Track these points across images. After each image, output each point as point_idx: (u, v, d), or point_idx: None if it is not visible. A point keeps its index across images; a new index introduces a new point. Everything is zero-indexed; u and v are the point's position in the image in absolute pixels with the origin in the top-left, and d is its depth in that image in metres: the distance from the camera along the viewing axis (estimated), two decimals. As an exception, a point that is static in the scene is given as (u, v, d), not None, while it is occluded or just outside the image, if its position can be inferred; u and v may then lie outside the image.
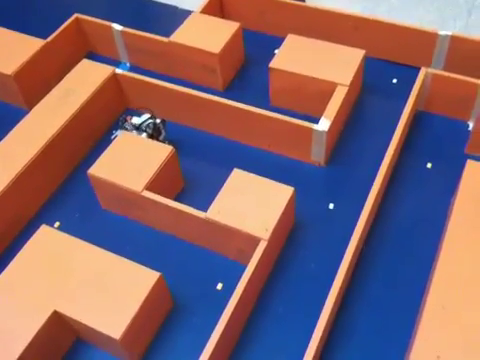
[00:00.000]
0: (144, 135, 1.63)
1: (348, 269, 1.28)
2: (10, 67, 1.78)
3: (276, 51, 1.91)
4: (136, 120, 1.67)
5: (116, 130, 1.74)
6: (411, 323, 1.27)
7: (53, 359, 1.26)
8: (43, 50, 1.87)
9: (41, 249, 1.31)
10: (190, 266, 1.43)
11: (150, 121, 1.65)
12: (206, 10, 1.98)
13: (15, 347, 1.15)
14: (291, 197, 1.36)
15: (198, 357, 1.13)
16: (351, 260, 1.28)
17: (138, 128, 1.65)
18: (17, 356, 1.14)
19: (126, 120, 1.68)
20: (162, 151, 1.50)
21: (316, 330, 1.17)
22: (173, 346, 1.30)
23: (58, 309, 1.20)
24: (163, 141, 1.65)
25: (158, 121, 1.66)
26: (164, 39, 1.84)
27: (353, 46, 1.73)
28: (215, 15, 1.96)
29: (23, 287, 1.25)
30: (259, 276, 1.32)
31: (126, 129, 1.67)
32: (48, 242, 1.32)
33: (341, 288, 1.25)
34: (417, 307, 1.29)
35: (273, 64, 1.69)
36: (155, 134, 1.65)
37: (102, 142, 1.72)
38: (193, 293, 1.38)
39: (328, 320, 1.19)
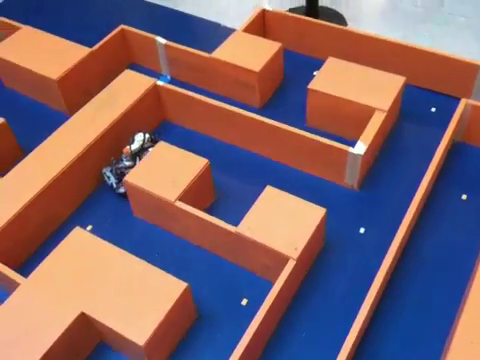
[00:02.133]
0: (151, 150, 1.60)
1: (376, 296, 1.26)
2: (55, 72, 1.84)
3: (315, 73, 1.93)
4: (133, 147, 1.62)
5: (110, 170, 1.62)
6: (437, 356, 1.25)
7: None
8: (88, 58, 1.92)
9: (73, 250, 1.34)
10: (216, 279, 1.44)
11: (146, 138, 1.63)
12: (248, 29, 2.01)
13: (41, 345, 1.17)
14: (322, 218, 1.36)
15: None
16: (379, 287, 1.27)
17: (140, 152, 1.61)
18: (42, 354, 1.16)
19: (123, 153, 1.62)
20: (197, 163, 1.52)
21: (339, 357, 1.15)
22: (194, 359, 1.30)
23: (85, 311, 1.22)
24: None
25: (147, 136, 1.63)
26: (206, 55, 1.88)
27: (392, 72, 1.73)
28: (257, 34, 1.99)
29: (53, 286, 1.27)
30: (285, 295, 1.31)
31: (124, 166, 1.60)
32: (80, 244, 1.35)
33: (367, 316, 1.24)
34: (444, 340, 1.27)
35: (312, 85, 1.71)
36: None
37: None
38: (218, 307, 1.38)
39: (352, 347, 1.18)
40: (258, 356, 1.28)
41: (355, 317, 1.23)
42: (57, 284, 1.27)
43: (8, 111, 1.78)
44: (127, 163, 1.61)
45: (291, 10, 2.12)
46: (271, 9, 2.07)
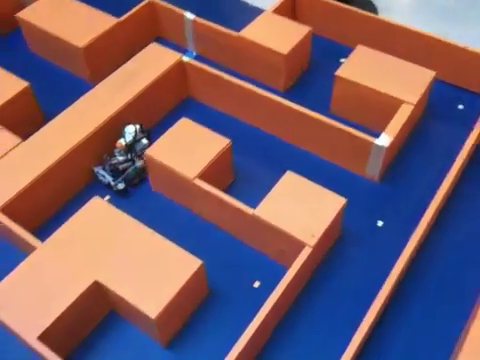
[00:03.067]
0: (145, 141, 1.59)
1: (390, 291, 1.26)
2: (82, 40, 1.83)
3: (342, 60, 1.91)
4: (124, 140, 1.58)
5: (103, 169, 1.58)
6: (448, 354, 1.25)
7: (87, 327, 1.29)
8: (115, 28, 1.91)
9: (90, 219, 1.34)
10: (229, 259, 1.44)
11: (137, 130, 1.59)
12: (278, 10, 1.98)
13: (53, 309, 1.18)
14: (342, 208, 1.35)
15: (226, 350, 1.14)
16: (395, 282, 1.26)
17: (133, 144, 1.58)
18: (54, 318, 1.17)
19: (116, 148, 1.58)
20: (219, 142, 1.51)
21: (349, 347, 1.16)
22: (203, 335, 1.30)
23: (99, 280, 1.23)
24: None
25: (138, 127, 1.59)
26: (234, 33, 1.86)
27: (422, 65, 1.71)
28: (286, 16, 1.96)
29: (68, 253, 1.28)
30: (298, 282, 1.31)
31: (118, 161, 1.57)
32: (98, 213, 1.35)
33: (380, 309, 1.24)
34: (456, 340, 1.27)
35: (340, 72, 1.68)
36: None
37: (159, 126, 1.74)
38: (229, 287, 1.38)
39: (363, 338, 1.18)
40: (266, 339, 1.28)
41: (366, 310, 1.23)
42: (73, 251, 1.28)
43: (31, 75, 1.77)
44: (121, 158, 1.57)
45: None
46: (303, -9, 2.04)
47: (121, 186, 1.55)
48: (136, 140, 1.58)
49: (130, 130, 1.58)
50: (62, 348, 1.18)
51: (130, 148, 1.58)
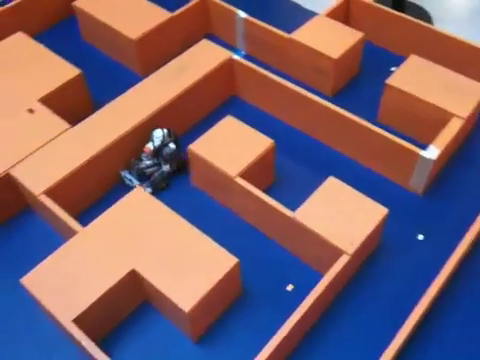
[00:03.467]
0: (172, 145, 1.58)
1: (426, 307, 1.23)
2: (135, 32, 1.86)
3: (392, 68, 1.88)
4: (152, 145, 1.57)
5: (129, 173, 1.58)
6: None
7: (119, 314, 1.31)
8: (168, 23, 1.93)
9: (132, 209, 1.36)
10: (265, 260, 1.44)
11: (165, 134, 1.58)
12: (331, 14, 1.96)
13: (89, 295, 1.21)
14: (383, 218, 1.33)
15: (254, 350, 1.13)
16: (432, 298, 1.24)
17: (161, 149, 1.56)
18: (90, 303, 1.19)
19: (143, 152, 1.58)
20: (262, 142, 1.51)
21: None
22: (232, 334, 1.31)
23: (136, 269, 1.24)
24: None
25: (165, 131, 1.58)
26: (285, 35, 1.85)
27: (474, 79, 1.66)
28: (339, 21, 1.94)
29: (108, 240, 1.30)
30: (333, 288, 1.30)
31: (145, 165, 1.57)
32: (139, 204, 1.37)
33: (415, 325, 1.21)
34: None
35: (390, 81, 1.66)
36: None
37: (204, 122, 1.75)
38: (263, 287, 1.38)
39: (395, 354, 1.16)
40: (296, 344, 1.28)
41: (400, 324, 1.20)
42: (112, 238, 1.30)
43: (83, 63, 1.80)
44: (148, 162, 1.56)
45: (377, 1, 2.05)
46: (358, -3, 2.01)
47: (149, 190, 1.55)
48: (164, 144, 1.57)
49: (158, 134, 1.57)
50: (94, 333, 1.20)
51: (157, 152, 1.57)
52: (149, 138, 1.59)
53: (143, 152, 1.58)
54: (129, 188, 1.51)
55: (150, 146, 1.57)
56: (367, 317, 1.33)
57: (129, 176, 1.56)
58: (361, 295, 1.37)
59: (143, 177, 1.55)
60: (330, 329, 1.31)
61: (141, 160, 1.58)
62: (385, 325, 1.30)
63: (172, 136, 1.59)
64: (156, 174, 1.56)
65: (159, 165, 1.57)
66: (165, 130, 1.58)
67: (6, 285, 1.37)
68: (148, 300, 1.34)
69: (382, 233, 1.42)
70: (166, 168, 1.58)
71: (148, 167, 1.56)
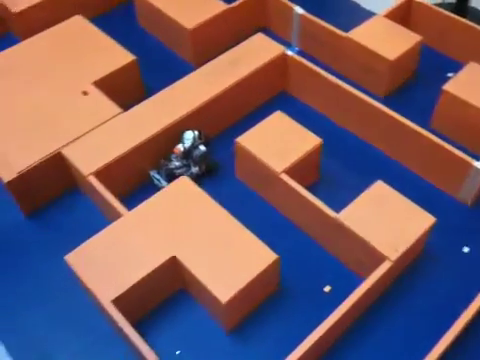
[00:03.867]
0: (202, 147, 1.56)
1: (467, 322, 1.20)
2: (190, 22, 1.87)
3: (449, 74, 1.83)
4: (182, 146, 1.56)
5: (158, 173, 1.57)
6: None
7: (156, 299, 1.33)
8: (224, 14, 1.93)
9: (177, 196, 1.38)
10: (304, 259, 1.43)
11: (196, 136, 1.56)
12: (391, 15, 1.92)
13: (130, 277, 1.23)
14: (430, 227, 1.30)
15: (286, 348, 1.12)
16: (473, 313, 1.20)
17: (191, 151, 1.55)
18: (130, 285, 1.21)
19: (173, 153, 1.56)
20: (310, 140, 1.50)
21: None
22: (266, 329, 1.31)
23: (177, 255, 1.26)
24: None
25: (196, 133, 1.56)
26: (342, 33, 1.82)
27: None
28: (398, 22, 1.90)
29: (151, 225, 1.32)
30: (372, 294, 1.28)
31: (175, 166, 1.55)
32: (184, 192, 1.38)
33: (453, 339, 1.18)
34: None
35: (447, 87, 1.61)
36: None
37: (252, 116, 1.75)
38: (300, 286, 1.37)
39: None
40: (328, 347, 1.26)
41: (438, 338, 1.17)
42: (156, 224, 1.32)
43: (137, 49, 1.82)
44: (177, 163, 1.55)
45: (438, 4, 2.00)
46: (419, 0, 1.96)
47: None
48: (194, 146, 1.56)
49: (189, 136, 1.55)
50: (131, 315, 1.22)
51: (187, 154, 1.56)
52: (179, 139, 1.57)
53: (173, 153, 1.57)
54: (158, 188, 1.50)
55: (180, 147, 1.55)
56: (403, 326, 1.30)
57: (158, 176, 1.54)
58: (399, 303, 1.34)
59: (172, 178, 1.52)
60: (365, 334, 1.29)
61: (170, 161, 1.56)
62: (421, 337, 1.27)
63: (203, 138, 1.57)
64: (184, 176, 1.53)
65: (188, 167, 1.55)
66: (196, 132, 1.56)
67: (51, 262, 1.41)
68: (185, 288, 1.35)
69: (427, 242, 1.39)
70: (195, 170, 1.56)
71: (177, 168, 1.54)
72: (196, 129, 1.57)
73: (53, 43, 1.80)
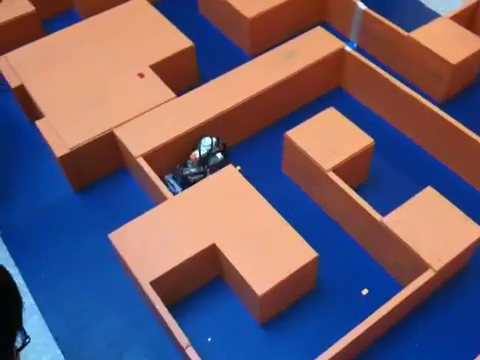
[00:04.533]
0: (219, 155, 1.52)
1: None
2: (251, 11, 1.86)
3: (512, 83, 1.76)
4: (198, 152, 1.51)
5: (173, 178, 1.53)
6: None
7: (193, 284, 1.34)
8: (284, 5, 1.91)
9: (221, 185, 1.38)
10: (344, 260, 1.41)
11: (214, 143, 1.52)
12: (456, 17, 1.85)
13: (170, 261, 1.24)
14: (477, 239, 1.26)
15: (319, 347, 1.12)
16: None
17: (206, 158, 1.51)
18: (169, 269, 1.23)
19: (189, 158, 1.52)
20: (362, 140, 1.47)
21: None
22: (300, 325, 1.30)
23: (217, 244, 1.26)
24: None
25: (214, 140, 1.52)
26: (404, 32, 1.77)
27: None
28: (464, 25, 1.83)
29: (194, 211, 1.33)
30: (411, 302, 1.25)
31: (190, 173, 1.50)
32: (229, 181, 1.39)
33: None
34: None
35: (510, 96, 1.55)
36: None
37: (305, 110, 1.73)
38: (337, 287, 1.36)
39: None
40: (361, 351, 1.25)
41: (474, 355, 1.14)
42: (199, 210, 1.33)
43: (195, 36, 1.83)
44: (193, 169, 1.50)
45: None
46: (489, 3, 1.88)
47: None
48: (211, 153, 1.52)
49: (206, 143, 1.52)
50: (167, 298, 1.23)
51: (203, 161, 1.51)
52: (196, 145, 1.53)
53: (189, 159, 1.53)
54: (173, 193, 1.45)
55: (196, 154, 1.52)
56: (441, 338, 1.27)
57: (172, 181, 1.51)
58: (438, 314, 1.31)
59: (187, 184, 1.48)
60: (400, 342, 1.27)
61: (186, 167, 1.53)
62: (458, 350, 1.23)
63: (221, 146, 1.54)
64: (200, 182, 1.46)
65: (204, 174, 1.50)
66: (214, 139, 1.52)
67: (95, 238, 1.44)
68: (222, 276, 1.36)
69: (473, 254, 1.34)
70: (210, 177, 1.49)
71: (192, 175, 1.49)
72: (215, 136, 1.53)
73: (113, 24, 1.83)
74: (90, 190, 1.59)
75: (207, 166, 1.51)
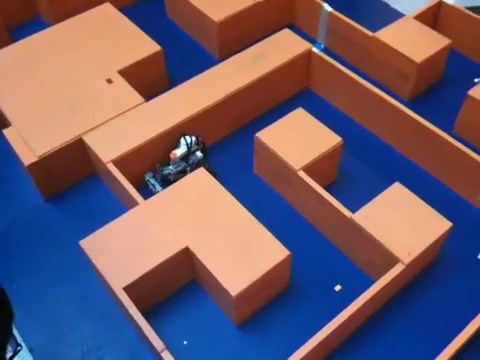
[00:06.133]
0: (199, 154, 1.54)
1: (476, 330, 1.18)
2: (218, 15, 1.87)
3: (476, 80, 1.80)
4: (179, 151, 1.52)
5: (153, 178, 1.53)
6: None
7: (168, 289, 1.34)
8: (252, 9, 1.93)
9: (193, 188, 1.38)
10: (316, 258, 1.43)
11: (193, 141, 1.53)
12: (420, 17, 1.89)
13: (143, 265, 1.24)
14: (446, 232, 1.29)
15: (294, 344, 1.13)
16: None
17: (188, 155, 1.52)
18: (142, 274, 1.23)
19: (170, 159, 1.52)
20: (331, 139, 1.49)
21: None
22: (274, 324, 1.31)
23: (190, 247, 1.27)
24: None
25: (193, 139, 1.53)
26: (369, 33, 1.81)
27: None
28: (428, 24, 1.87)
29: (166, 215, 1.33)
30: (382, 296, 1.27)
31: (170, 171, 1.50)
32: (201, 184, 1.39)
33: (463, 343, 1.17)
34: None
35: (472, 92, 1.59)
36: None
37: (274, 111, 1.75)
38: (310, 284, 1.37)
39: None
40: (336, 346, 1.26)
41: (446, 343, 1.16)
42: (171, 214, 1.33)
43: (164, 41, 1.83)
44: (173, 168, 1.50)
45: (469, 8, 1.96)
46: (450, 3, 1.93)
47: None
48: (191, 152, 1.53)
49: (186, 141, 1.53)
50: (142, 303, 1.23)
51: (184, 159, 1.53)
52: (176, 144, 1.54)
53: (169, 158, 1.53)
54: (152, 192, 1.48)
55: (177, 152, 1.52)
56: (413, 330, 1.29)
57: (152, 181, 1.51)
58: (410, 307, 1.33)
59: (167, 183, 1.48)
60: (373, 336, 1.29)
61: (167, 166, 1.53)
62: (431, 341, 1.26)
63: (200, 144, 1.55)
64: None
65: (184, 172, 1.51)
66: (193, 137, 1.53)
67: (68, 245, 1.43)
68: (196, 279, 1.36)
69: (442, 247, 1.37)
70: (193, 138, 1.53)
71: (173, 174, 1.50)
72: (194, 135, 1.54)
73: (80, 30, 1.82)
74: (61, 198, 1.57)
75: (187, 164, 1.52)
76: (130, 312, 1.17)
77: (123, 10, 1.95)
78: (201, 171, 1.42)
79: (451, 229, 1.30)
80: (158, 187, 1.49)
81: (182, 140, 1.54)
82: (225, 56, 1.79)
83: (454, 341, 1.16)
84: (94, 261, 1.25)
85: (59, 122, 1.53)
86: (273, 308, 1.33)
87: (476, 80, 1.80)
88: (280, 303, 1.34)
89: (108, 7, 1.91)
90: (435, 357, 1.14)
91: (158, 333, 1.16)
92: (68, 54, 1.74)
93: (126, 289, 1.20)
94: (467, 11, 1.92)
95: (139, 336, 1.26)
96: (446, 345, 1.16)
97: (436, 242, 1.28)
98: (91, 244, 1.28)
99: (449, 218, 1.32)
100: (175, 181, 1.43)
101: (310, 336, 1.14)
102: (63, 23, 1.85)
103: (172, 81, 1.79)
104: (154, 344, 1.12)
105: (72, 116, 1.55)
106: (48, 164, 1.47)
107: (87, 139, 1.50)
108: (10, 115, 1.56)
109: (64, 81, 1.66)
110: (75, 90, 1.63)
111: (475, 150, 1.48)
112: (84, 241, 1.28)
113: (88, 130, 1.51)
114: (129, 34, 1.81)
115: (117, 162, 1.46)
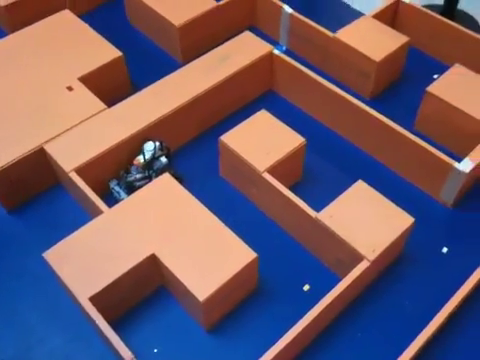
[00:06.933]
0: (164, 159, 1.52)
1: (443, 321, 1.21)
2: (179, 19, 1.86)
3: (435, 76, 1.84)
4: (142, 158, 1.50)
5: (118, 185, 1.51)
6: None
7: (136, 297, 1.33)
8: (212, 11, 1.93)
9: (158, 194, 1.38)
10: (284, 258, 1.43)
11: (157, 147, 1.51)
12: (378, 16, 1.92)
13: (109, 274, 1.23)
14: (409, 227, 1.31)
15: (265, 345, 1.13)
16: (449, 313, 1.21)
17: (151, 161, 1.50)
18: (108, 283, 1.21)
19: (133, 164, 1.51)
20: (294, 140, 1.50)
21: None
22: (244, 327, 1.31)
23: (156, 253, 1.26)
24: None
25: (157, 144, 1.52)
26: (329, 33, 1.83)
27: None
28: (386, 23, 1.90)
29: (131, 223, 1.32)
30: (350, 293, 1.29)
31: (135, 178, 1.49)
32: (166, 190, 1.38)
33: (429, 337, 1.19)
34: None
35: (431, 89, 1.62)
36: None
37: (238, 114, 1.75)
38: (279, 285, 1.38)
39: (407, 362, 1.14)
40: (305, 345, 1.27)
41: (414, 336, 1.18)
42: (136, 221, 1.32)
43: (126, 46, 1.82)
44: (138, 175, 1.48)
45: (426, 6, 2.00)
46: (407, 1, 1.97)
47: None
48: (155, 157, 1.51)
49: (149, 147, 1.51)
50: (109, 313, 1.22)
51: (148, 165, 1.50)
52: (140, 150, 1.51)
53: (132, 165, 1.51)
54: (117, 200, 1.46)
55: (140, 159, 1.50)
56: (381, 325, 1.31)
57: (117, 188, 1.49)
58: (377, 303, 1.35)
59: (132, 190, 1.45)
60: (342, 333, 1.30)
61: (131, 173, 1.51)
62: (398, 336, 1.28)
63: (164, 149, 1.53)
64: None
65: (149, 178, 1.49)
66: (157, 143, 1.51)
67: (33, 257, 1.40)
68: (165, 285, 1.36)
69: (406, 242, 1.40)
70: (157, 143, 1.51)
71: (138, 180, 1.48)
72: (157, 140, 1.53)
73: (39, 37, 1.79)
74: (24, 209, 1.54)
75: (152, 170, 1.50)
76: (97, 322, 1.16)
77: (83, 17, 1.92)
78: (166, 177, 1.42)
79: (414, 224, 1.32)
80: (123, 194, 1.48)
81: (145, 146, 1.52)
82: (188, 60, 1.78)
83: (421, 334, 1.18)
84: (58, 272, 1.23)
85: (19, 132, 1.51)
86: (242, 311, 1.33)
87: (435, 76, 1.83)
88: (249, 305, 1.34)
89: (67, 14, 1.89)
90: (403, 350, 1.16)
91: (127, 342, 1.14)
92: (27, 63, 1.71)
93: (92, 299, 1.19)
94: (424, 9, 1.96)
95: (108, 346, 1.24)
96: (414, 338, 1.18)
97: (400, 238, 1.30)
98: (55, 255, 1.26)
99: (413, 214, 1.34)
100: (140, 188, 1.42)
101: (280, 336, 1.15)
102: (21, 31, 1.82)
103: (136, 86, 1.78)
104: (122, 354, 1.11)
105: (32, 125, 1.53)
106: (9, 175, 1.45)
107: (48, 148, 1.47)
108: (-32, 126, 1.52)
109: (23, 90, 1.63)
110: (35, 99, 1.60)
111: (436, 146, 1.51)
112: (48, 253, 1.26)
113: (49, 139, 1.49)
114: (89, 41, 1.79)
115: (80, 171, 1.44)
